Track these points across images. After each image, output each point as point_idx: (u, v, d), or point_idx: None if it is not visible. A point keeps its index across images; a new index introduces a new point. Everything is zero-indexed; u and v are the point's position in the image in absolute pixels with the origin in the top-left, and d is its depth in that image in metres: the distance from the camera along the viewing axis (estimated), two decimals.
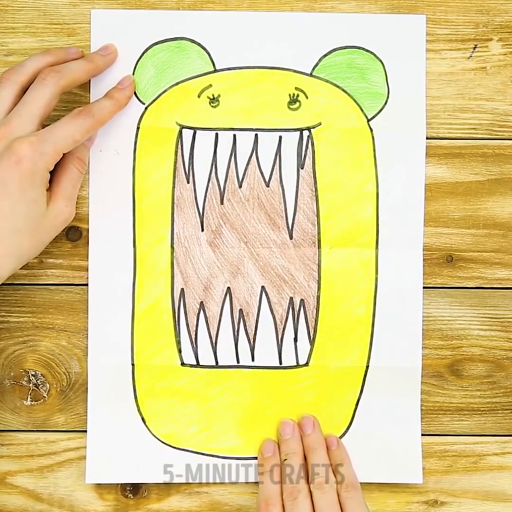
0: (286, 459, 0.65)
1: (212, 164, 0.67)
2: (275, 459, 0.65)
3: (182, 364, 0.66)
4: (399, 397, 0.66)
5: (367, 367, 0.66)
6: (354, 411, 0.67)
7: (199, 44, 0.67)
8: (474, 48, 0.67)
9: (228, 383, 0.67)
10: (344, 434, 0.67)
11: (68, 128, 0.61)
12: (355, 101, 0.67)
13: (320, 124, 0.67)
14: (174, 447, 0.66)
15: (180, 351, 0.66)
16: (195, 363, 0.66)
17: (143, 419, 0.66)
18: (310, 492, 0.63)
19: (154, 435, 0.66)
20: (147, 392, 0.66)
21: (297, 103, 0.67)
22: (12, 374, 0.67)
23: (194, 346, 0.66)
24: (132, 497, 0.67)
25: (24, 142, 0.60)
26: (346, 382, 0.66)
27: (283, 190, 0.67)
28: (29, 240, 0.61)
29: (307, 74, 0.67)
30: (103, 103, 0.64)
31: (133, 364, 0.66)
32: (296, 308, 0.66)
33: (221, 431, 0.67)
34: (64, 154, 0.62)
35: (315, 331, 0.66)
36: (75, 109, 0.63)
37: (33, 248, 0.62)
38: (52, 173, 0.62)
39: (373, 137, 0.67)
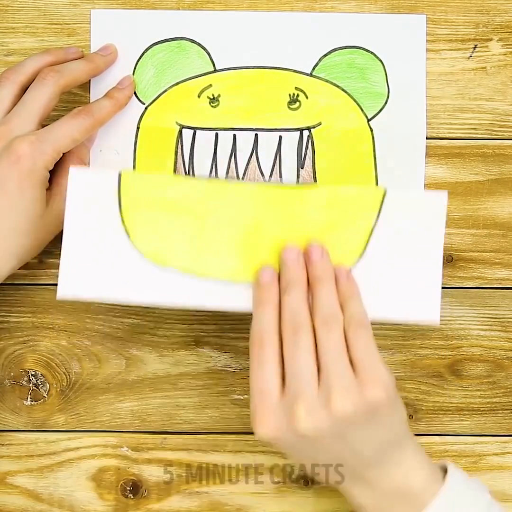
0: (287, 289, 0.57)
1: (212, 164, 0.67)
2: (274, 289, 0.58)
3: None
4: (421, 227, 0.59)
5: (385, 192, 0.60)
6: (368, 240, 0.60)
7: (199, 44, 0.67)
8: (474, 48, 0.67)
9: (227, 197, 0.59)
10: (354, 265, 0.59)
11: (67, 127, 0.61)
12: (355, 101, 0.67)
13: (320, 124, 0.67)
14: (160, 266, 0.59)
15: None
16: (190, 172, 0.62)
17: (127, 233, 0.59)
18: (314, 330, 0.56)
19: (138, 252, 0.59)
20: (134, 203, 0.59)
21: (297, 103, 0.67)
22: (12, 374, 0.67)
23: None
24: (132, 497, 0.67)
25: (24, 141, 0.60)
26: (360, 206, 0.60)
27: None
28: (28, 239, 0.61)
29: (307, 74, 0.67)
30: (102, 103, 0.64)
31: (120, 172, 0.60)
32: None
33: (215, 251, 0.59)
34: (64, 153, 0.62)
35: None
36: (75, 109, 0.63)
37: (33, 247, 0.62)
38: (53, 173, 0.62)
39: (373, 137, 0.67)
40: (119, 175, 0.59)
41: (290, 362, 0.55)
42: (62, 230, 0.62)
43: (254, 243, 0.59)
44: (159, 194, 0.59)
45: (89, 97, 0.66)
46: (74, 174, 0.59)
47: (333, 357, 0.55)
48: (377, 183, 0.66)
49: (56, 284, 0.66)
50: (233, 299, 0.59)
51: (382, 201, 0.60)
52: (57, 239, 0.65)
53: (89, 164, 0.66)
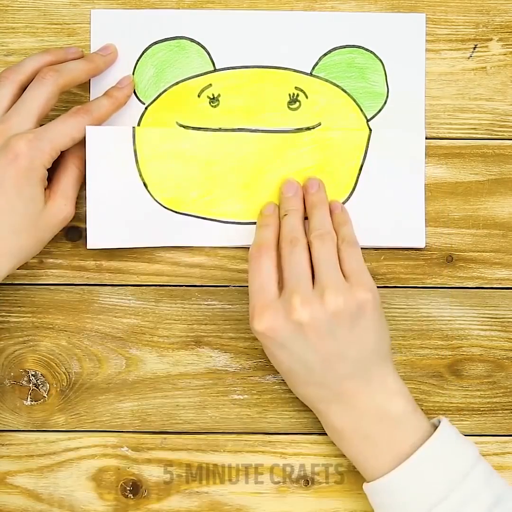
0: (286, 214, 0.63)
1: None
2: (274, 217, 0.65)
3: (184, 126, 0.66)
4: (403, 164, 0.66)
5: (370, 131, 0.66)
6: (357, 177, 0.66)
7: (198, 43, 0.67)
8: (474, 48, 0.67)
9: (231, 146, 0.66)
10: (347, 200, 0.66)
11: (66, 126, 0.61)
12: (354, 101, 0.67)
13: (320, 124, 0.67)
14: (176, 212, 0.66)
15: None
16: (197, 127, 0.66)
17: (144, 184, 0.65)
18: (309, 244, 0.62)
19: (156, 200, 0.65)
20: (148, 156, 0.65)
21: (297, 103, 0.67)
22: (12, 374, 0.67)
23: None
24: (132, 497, 0.67)
25: (21, 139, 0.60)
26: (349, 147, 0.66)
27: None
28: (27, 238, 0.61)
29: (307, 74, 0.67)
30: (101, 102, 0.64)
31: (133, 127, 0.65)
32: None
33: (223, 195, 0.66)
34: (63, 152, 0.62)
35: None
36: (73, 107, 0.63)
37: (32, 246, 0.62)
38: (52, 171, 0.62)
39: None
40: (133, 130, 0.65)
41: (287, 267, 0.61)
42: (61, 230, 0.63)
43: (257, 186, 0.66)
44: (170, 146, 0.66)
45: (89, 97, 0.66)
46: (91, 132, 0.63)
47: (326, 264, 0.61)
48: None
49: (56, 284, 0.67)
50: (240, 236, 0.66)
51: (368, 141, 0.66)
52: (57, 239, 0.66)
53: (85, 167, 0.65)
